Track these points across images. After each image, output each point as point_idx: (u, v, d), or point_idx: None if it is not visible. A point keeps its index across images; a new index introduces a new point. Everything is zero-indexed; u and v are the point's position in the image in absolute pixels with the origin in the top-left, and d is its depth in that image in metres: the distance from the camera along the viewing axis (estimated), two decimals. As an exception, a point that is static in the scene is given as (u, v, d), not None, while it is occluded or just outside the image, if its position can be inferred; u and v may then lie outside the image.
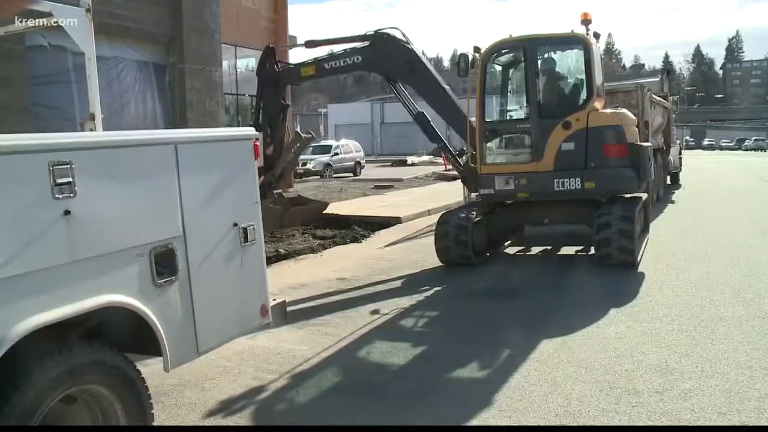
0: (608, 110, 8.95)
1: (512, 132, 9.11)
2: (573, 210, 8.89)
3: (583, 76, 8.69)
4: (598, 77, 8.85)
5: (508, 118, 9.47)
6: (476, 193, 9.42)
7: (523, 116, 9.02)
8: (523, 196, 8.84)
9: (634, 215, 8.14)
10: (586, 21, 8.84)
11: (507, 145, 9.11)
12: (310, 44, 9.79)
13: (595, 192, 8.47)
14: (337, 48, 9.75)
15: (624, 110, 9.66)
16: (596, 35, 9.13)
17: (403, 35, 9.39)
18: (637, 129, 9.62)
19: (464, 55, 9.17)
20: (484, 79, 8.96)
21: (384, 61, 9.42)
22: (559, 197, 8.57)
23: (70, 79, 10.01)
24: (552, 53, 9.20)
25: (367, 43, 9.39)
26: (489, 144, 9.01)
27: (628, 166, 8.46)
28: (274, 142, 9.94)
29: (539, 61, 9.00)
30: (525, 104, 8.98)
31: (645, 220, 9.55)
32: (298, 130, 10.92)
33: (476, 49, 9.14)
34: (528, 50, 8.86)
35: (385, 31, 9.38)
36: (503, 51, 9.36)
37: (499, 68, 9.72)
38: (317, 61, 9.72)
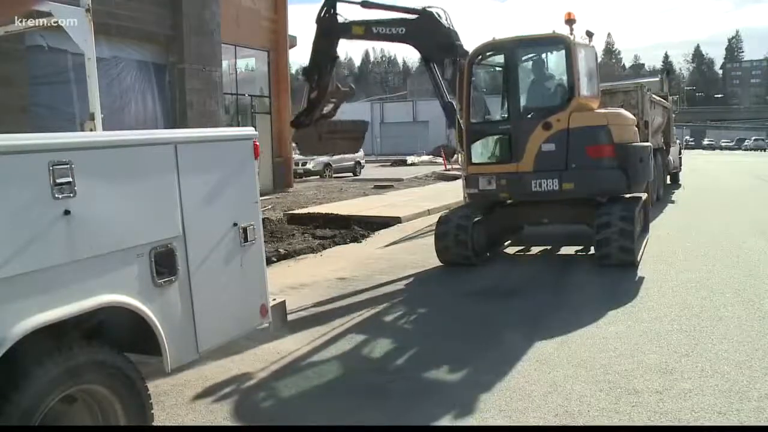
0: (593, 111, 8.83)
1: (495, 133, 9.15)
2: (573, 210, 8.88)
3: (565, 77, 8.67)
4: (585, 77, 8.78)
5: (491, 119, 9.52)
6: None
7: (505, 117, 9.06)
8: (504, 196, 8.94)
9: (634, 215, 8.13)
10: (569, 21, 8.81)
11: (490, 146, 9.17)
12: (366, 5, 9.90)
13: (574, 193, 8.41)
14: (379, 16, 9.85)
15: (617, 110, 9.63)
16: (589, 33, 9.12)
17: (447, 18, 9.51)
18: (633, 128, 9.57)
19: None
20: (470, 81, 9.01)
21: (425, 38, 9.53)
22: (539, 198, 8.57)
23: (70, 79, 10.03)
24: (534, 54, 9.24)
25: (414, 17, 9.52)
26: (474, 145, 9.08)
27: (614, 167, 8.39)
28: (319, 89, 10.06)
29: (521, 63, 9.06)
30: (507, 105, 9.01)
31: (645, 219, 9.55)
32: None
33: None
34: (510, 52, 8.90)
35: (432, 9, 9.50)
36: (487, 53, 9.38)
37: (484, 70, 9.80)
38: (368, 24, 9.82)
